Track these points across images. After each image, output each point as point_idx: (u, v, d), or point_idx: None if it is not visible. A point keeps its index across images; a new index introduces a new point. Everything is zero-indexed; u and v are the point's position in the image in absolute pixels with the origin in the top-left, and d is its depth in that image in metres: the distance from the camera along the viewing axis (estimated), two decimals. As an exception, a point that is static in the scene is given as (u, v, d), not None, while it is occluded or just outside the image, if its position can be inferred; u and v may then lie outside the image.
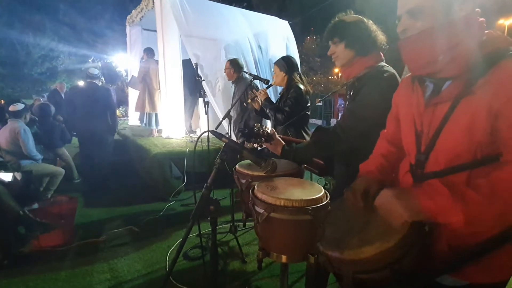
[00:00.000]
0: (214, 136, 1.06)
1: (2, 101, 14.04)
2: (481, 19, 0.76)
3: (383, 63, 1.34)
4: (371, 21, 1.34)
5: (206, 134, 1.23)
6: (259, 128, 1.32)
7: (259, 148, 1.36)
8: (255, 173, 1.23)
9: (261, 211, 0.87)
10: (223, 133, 3.52)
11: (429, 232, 0.77)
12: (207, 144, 3.07)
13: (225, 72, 3.52)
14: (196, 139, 1.16)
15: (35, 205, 2.68)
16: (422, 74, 0.85)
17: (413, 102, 0.90)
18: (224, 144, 0.94)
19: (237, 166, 1.38)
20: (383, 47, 1.35)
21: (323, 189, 0.94)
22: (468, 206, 0.70)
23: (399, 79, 1.32)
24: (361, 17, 1.33)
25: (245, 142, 1.34)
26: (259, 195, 0.91)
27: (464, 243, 0.76)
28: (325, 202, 0.88)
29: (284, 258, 0.88)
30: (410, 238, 0.73)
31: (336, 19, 1.35)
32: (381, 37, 1.33)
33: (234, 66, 3.41)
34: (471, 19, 0.75)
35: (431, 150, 0.83)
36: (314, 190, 0.95)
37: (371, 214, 0.87)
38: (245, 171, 1.29)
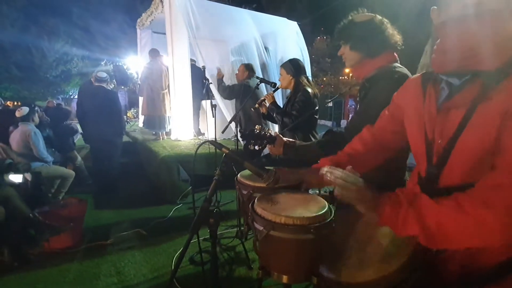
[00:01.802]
0: (216, 145, 1.03)
1: (17, 103, 14.48)
2: None
3: (397, 64, 1.27)
4: (385, 20, 1.26)
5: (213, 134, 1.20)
6: (261, 130, 1.29)
7: (256, 148, 1.32)
8: (257, 185, 1.19)
9: (261, 228, 0.82)
10: (230, 136, 3.51)
11: (437, 252, 0.71)
12: (214, 147, 3.06)
13: (236, 73, 3.67)
14: (200, 143, 1.13)
15: (46, 207, 2.73)
16: (456, 68, 0.74)
17: (424, 107, 0.81)
18: (224, 155, 0.91)
19: (238, 176, 1.34)
20: (398, 47, 1.27)
21: (327, 205, 0.89)
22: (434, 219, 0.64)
23: None
24: (373, 16, 1.26)
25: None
26: (259, 210, 0.87)
27: (478, 265, 0.70)
28: (328, 220, 0.82)
29: (285, 279, 0.82)
30: (415, 261, 0.68)
31: (349, 17, 1.29)
32: (395, 37, 1.25)
33: (249, 70, 3.59)
34: None
35: (445, 162, 0.74)
36: (317, 206, 0.89)
37: (372, 230, 0.82)
38: (247, 182, 1.24)
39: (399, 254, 0.70)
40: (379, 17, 1.26)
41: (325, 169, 0.78)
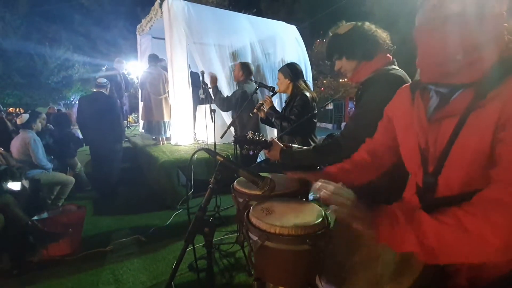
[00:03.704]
0: (215, 151, 1.02)
1: (19, 110, 14.56)
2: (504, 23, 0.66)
3: (392, 66, 1.26)
4: (367, 23, 1.27)
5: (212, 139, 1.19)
6: (254, 135, 1.28)
7: (251, 153, 1.31)
8: (253, 192, 1.17)
9: (255, 238, 0.80)
10: (230, 140, 3.46)
11: (444, 266, 0.69)
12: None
13: (234, 72, 3.50)
14: (195, 150, 1.12)
15: (45, 214, 2.72)
16: (437, 71, 0.72)
17: (414, 116, 0.80)
18: (219, 163, 0.89)
19: (234, 183, 1.32)
20: (390, 48, 1.27)
21: (323, 214, 0.86)
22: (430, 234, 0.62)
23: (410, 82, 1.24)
24: (354, 23, 1.26)
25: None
26: (254, 220, 0.85)
27: (486, 277, 0.68)
28: (324, 230, 0.80)
29: None
30: (425, 278, 0.66)
31: (330, 34, 1.30)
32: (382, 35, 1.25)
33: (244, 70, 3.34)
34: (501, 20, 0.65)
35: (439, 172, 0.73)
36: (313, 215, 0.86)
37: (379, 247, 0.79)
38: (243, 190, 1.22)
39: (409, 272, 0.68)
40: (359, 23, 1.26)
41: (318, 184, 0.75)
